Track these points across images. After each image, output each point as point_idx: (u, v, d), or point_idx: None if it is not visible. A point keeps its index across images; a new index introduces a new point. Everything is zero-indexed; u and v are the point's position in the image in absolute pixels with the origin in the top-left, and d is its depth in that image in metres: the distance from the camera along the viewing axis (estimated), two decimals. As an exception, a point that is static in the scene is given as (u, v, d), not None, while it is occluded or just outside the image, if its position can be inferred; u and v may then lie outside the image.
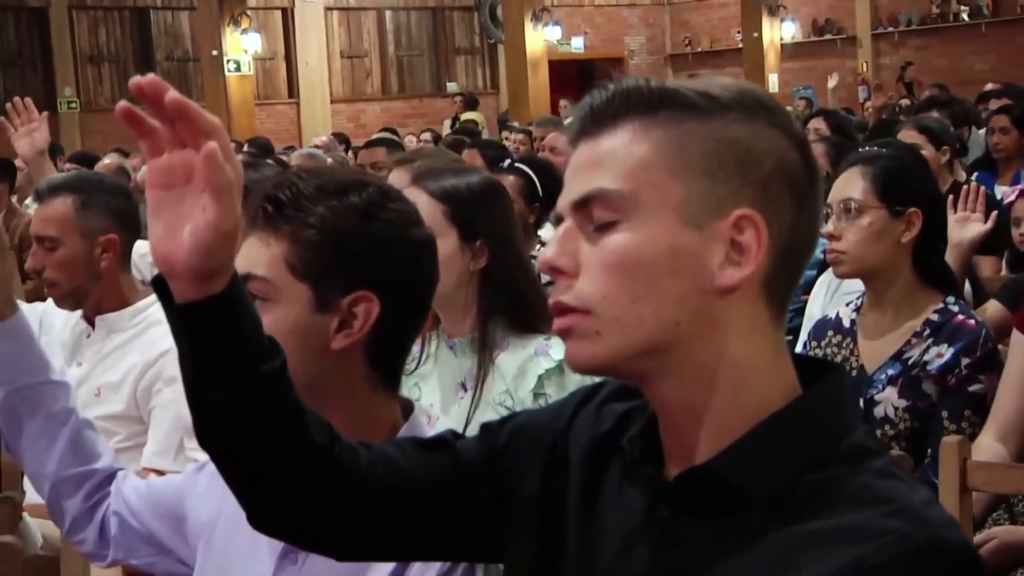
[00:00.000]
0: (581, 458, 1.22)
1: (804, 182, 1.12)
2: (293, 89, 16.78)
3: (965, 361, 2.56)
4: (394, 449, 1.27)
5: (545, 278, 1.49)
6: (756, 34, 17.26)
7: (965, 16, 17.48)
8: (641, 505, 1.14)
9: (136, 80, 1.05)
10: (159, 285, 1.13)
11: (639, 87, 1.12)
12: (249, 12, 15.32)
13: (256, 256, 1.43)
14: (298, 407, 1.17)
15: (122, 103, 1.07)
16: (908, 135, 4.88)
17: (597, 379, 2.13)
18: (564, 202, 1.14)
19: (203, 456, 2.68)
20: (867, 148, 3.02)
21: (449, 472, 1.26)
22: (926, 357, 2.58)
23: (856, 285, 2.85)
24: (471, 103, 15.37)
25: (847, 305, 2.78)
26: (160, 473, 2.55)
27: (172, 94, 1.06)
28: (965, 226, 3.37)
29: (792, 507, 1.06)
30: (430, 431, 1.46)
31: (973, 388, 2.55)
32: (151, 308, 2.81)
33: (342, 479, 1.20)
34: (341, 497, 1.21)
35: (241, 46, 15.03)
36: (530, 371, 2.27)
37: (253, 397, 1.13)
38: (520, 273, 2.29)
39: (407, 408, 1.53)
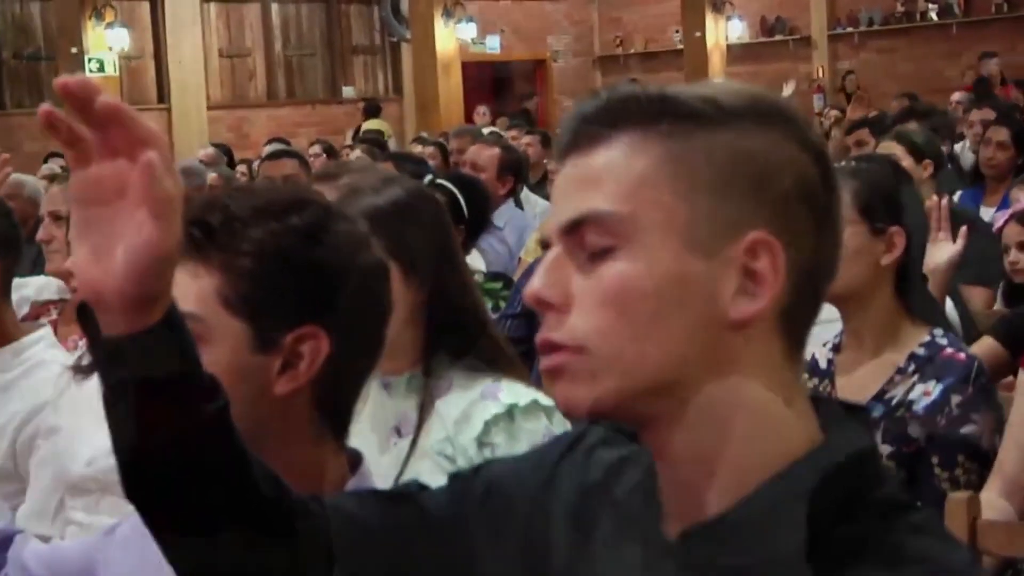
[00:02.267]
0: (567, 513, 1.24)
1: (824, 199, 1.14)
2: (163, 93, 16.67)
3: (956, 399, 2.60)
4: (351, 501, 1.28)
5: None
6: (698, 33, 17.43)
7: (934, 15, 17.78)
8: (639, 563, 1.16)
9: (63, 80, 1.06)
10: (83, 315, 1.13)
11: (637, 94, 1.13)
12: (114, 3, 15.21)
13: (183, 290, 1.35)
14: (244, 454, 1.17)
15: (44, 106, 1.08)
16: (886, 147, 4.95)
17: (551, 427, 2.14)
18: (552, 225, 1.15)
19: (84, 517, 2.66)
20: (848, 161, 3.08)
21: (414, 527, 1.27)
22: (911, 396, 2.62)
23: (831, 314, 2.89)
24: (373, 110, 15.37)
25: (824, 345, 2.83)
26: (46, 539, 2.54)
27: (105, 98, 1.07)
28: (936, 248, 3.42)
29: (818, 566, 1.07)
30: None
31: (966, 430, 2.60)
32: (36, 347, 2.79)
33: (292, 536, 1.22)
34: (290, 556, 1.22)
35: (105, 42, 14.91)
36: (475, 416, 2.29)
37: (194, 442, 1.13)
38: (465, 301, 2.31)
39: (355, 460, 1.53)
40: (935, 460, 2.60)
